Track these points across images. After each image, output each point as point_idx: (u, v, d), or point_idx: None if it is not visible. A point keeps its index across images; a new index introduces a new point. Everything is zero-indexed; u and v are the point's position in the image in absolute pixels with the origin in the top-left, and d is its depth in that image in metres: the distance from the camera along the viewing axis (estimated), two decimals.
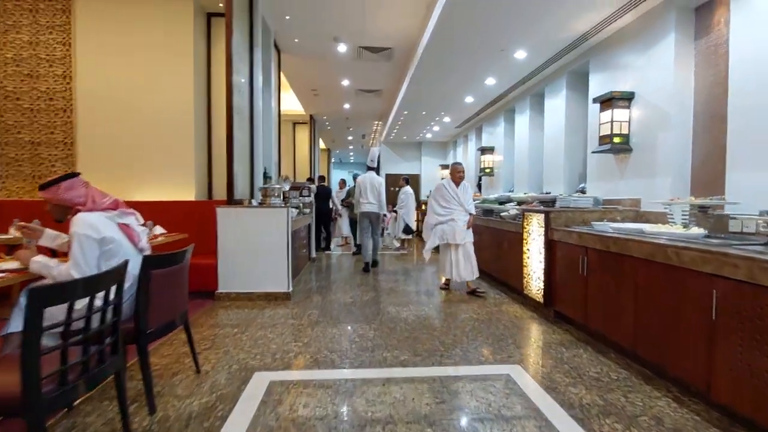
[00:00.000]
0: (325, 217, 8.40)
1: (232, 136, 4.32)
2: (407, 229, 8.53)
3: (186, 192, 5.15)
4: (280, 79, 7.01)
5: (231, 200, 4.35)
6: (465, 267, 4.64)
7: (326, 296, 4.52)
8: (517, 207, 5.10)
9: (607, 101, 4.08)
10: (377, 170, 7.01)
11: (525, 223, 4.23)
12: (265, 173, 5.69)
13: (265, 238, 4.30)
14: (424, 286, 5.08)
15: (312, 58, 7.10)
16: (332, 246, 8.67)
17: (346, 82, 8.52)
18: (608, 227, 3.32)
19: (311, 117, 11.93)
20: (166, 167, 5.12)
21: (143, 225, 2.36)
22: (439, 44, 5.03)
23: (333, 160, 22.32)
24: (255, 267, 4.29)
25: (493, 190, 7.86)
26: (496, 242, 5.18)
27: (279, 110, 7.01)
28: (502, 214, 5.02)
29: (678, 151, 3.55)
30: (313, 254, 7.06)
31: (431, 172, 12.80)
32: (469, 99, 7.16)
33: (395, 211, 9.12)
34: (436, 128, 10.19)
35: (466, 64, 5.58)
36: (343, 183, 10.24)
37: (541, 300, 3.86)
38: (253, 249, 4.29)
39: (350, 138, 16.24)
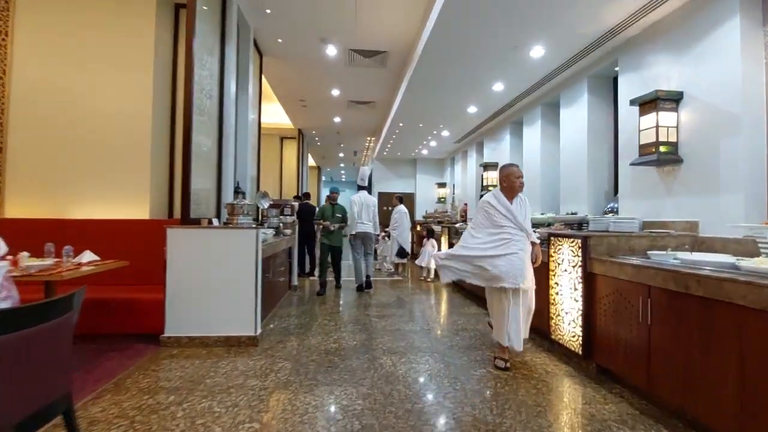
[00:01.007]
0: (309, 239, 7.53)
1: (190, 141, 3.50)
2: (402, 252, 7.69)
3: (139, 209, 4.27)
4: (261, 85, 6.27)
5: (186, 219, 3.49)
6: (526, 327, 3.10)
7: (304, 339, 3.62)
8: (534, 230, 4.31)
9: (650, 103, 3.36)
10: (369, 189, 6.49)
11: (552, 251, 3.42)
12: (237, 188, 4.85)
13: (228, 266, 3.43)
14: (423, 323, 4.21)
15: (298, 62, 6.39)
16: (317, 272, 7.75)
17: (336, 92, 7.83)
18: (670, 259, 2.53)
19: (300, 131, 11.21)
20: (115, 180, 4.24)
21: (7, 258, 1.49)
22: (440, 44, 4.33)
23: (323, 178, 21.56)
24: (213, 304, 3.40)
25: None
26: None
27: (259, 118, 6.23)
28: None
29: (749, 160, 2.81)
30: (295, 281, 6.16)
31: (427, 190, 12.06)
32: (472, 109, 6.47)
33: (387, 233, 8.30)
34: (433, 143, 9.50)
35: (471, 67, 4.89)
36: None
37: (579, 350, 3.02)
38: (212, 280, 3.40)
39: (341, 155, 15.54)
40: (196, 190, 3.79)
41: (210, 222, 3.59)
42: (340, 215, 6.00)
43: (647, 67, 3.71)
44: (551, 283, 3.43)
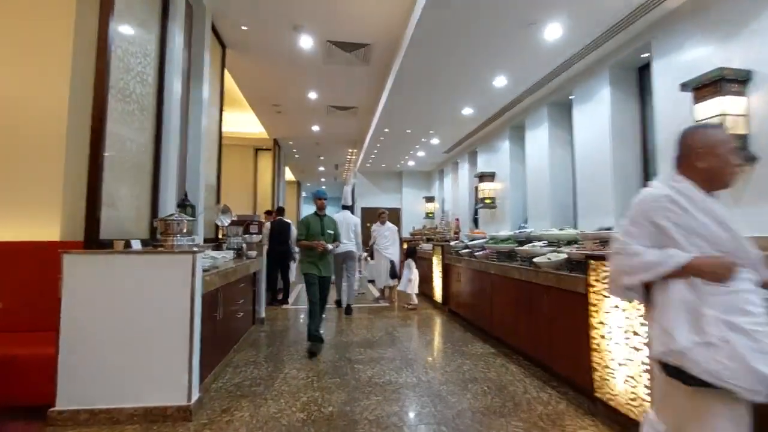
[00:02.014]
0: (283, 262, 6.55)
1: (102, 131, 2.57)
2: (393, 274, 6.75)
3: (48, 229, 3.25)
4: (223, 81, 5.38)
5: (94, 241, 2.52)
6: None
7: (261, 405, 2.64)
8: (556, 249, 3.49)
9: (711, 85, 2.62)
10: (352, 208, 5.94)
11: (593, 278, 2.58)
12: (183, 201, 3.89)
13: (152, 306, 2.46)
14: (420, 370, 3.27)
15: (269, 56, 5.55)
16: (291, 299, 6.75)
17: (314, 95, 7.00)
18: None
19: (275, 142, 10.32)
20: (14, 191, 3.23)
21: None
22: (434, 27, 3.59)
23: (304, 194, 20.58)
24: (129, 361, 2.41)
25: (496, 226, 6.30)
26: (527, 304, 3.50)
27: (221, 118, 5.32)
28: (536, 259, 3.37)
29: None
30: (262, 313, 5.15)
31: (414, 205, 11.23)
32: (467, 111, 5.73)
33: (369, 251, 7.39)
34: (420, 153, 8.74)
35: (470, 57, 4.13)
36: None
37: (641, 418, 2.14)
38: (128, 327, 2.42)
39: (322, 169, 14.66)
40: (116, 201, 2.83)
41: (128, 244, 2.62)
42: (332, 231, 4.21)
43: (692, 48, 3.00)
44: (592, 322, 2.57)
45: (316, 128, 9.12)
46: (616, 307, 2.37)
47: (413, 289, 6.12)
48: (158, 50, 3.42)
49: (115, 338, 2.41)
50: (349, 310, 5.67)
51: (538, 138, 5.09)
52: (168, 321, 2.46)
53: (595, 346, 2.55)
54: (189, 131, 4.29)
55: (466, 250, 5.21)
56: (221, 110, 5.33)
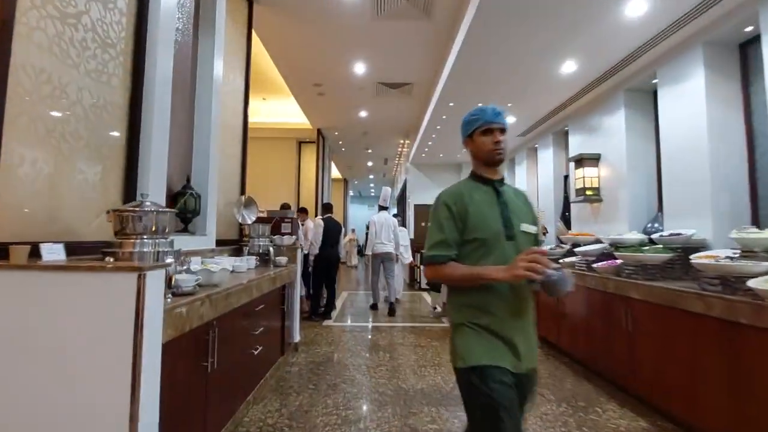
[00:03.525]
0: (331, 269, 5.48)
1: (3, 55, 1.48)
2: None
3: None
4: (250, 45, 4.32)
5: None
6: None
7: None
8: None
9: None
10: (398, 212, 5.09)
11: None
12: (185, 188, 2.82)
13: (67, 366, 1.32)
14: None
15: (305, 12, 4.42)
16: (334, 314, 5.58)
17: (361, 68, 5.83)
18: None
19: (319, 132, 9.32)
20: None
21: None
22: None
23: (351, 192, 19.64)
24: None
25: (601, 225, 4.72)
26: (725, 360, 2.02)
27: (246, 91, 4.25)
28: (752, 283, 1.87)
29: None
30: (295, 337, 4.00)
31: None
32: (568, 67, 4.19)
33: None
34: None
35: None
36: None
37: None
38: (29, 405, 1.31)
39: (370, 164, 13.56)
40: (47, 180, 1.76)
41: (34, 251, 1.50)
42: (534, 231, 1.46)
43: None
44: None
45: (363, 114, 7.97)
46: None
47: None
48: None
49: (5, 424, 1.31)
50: (392, 312, 5.66)
51: (688, 96, 3.47)
52: (96, 393, 1.31)
53: None
54: (196, 99, 3.25)
55: (572, 259, 3.74)
56: (247, 80, 4.28)
